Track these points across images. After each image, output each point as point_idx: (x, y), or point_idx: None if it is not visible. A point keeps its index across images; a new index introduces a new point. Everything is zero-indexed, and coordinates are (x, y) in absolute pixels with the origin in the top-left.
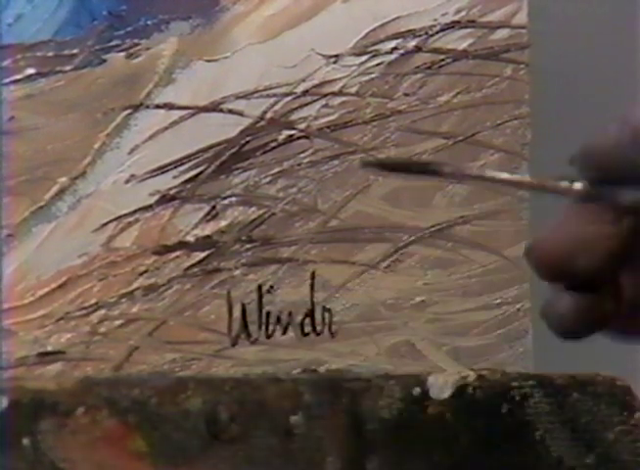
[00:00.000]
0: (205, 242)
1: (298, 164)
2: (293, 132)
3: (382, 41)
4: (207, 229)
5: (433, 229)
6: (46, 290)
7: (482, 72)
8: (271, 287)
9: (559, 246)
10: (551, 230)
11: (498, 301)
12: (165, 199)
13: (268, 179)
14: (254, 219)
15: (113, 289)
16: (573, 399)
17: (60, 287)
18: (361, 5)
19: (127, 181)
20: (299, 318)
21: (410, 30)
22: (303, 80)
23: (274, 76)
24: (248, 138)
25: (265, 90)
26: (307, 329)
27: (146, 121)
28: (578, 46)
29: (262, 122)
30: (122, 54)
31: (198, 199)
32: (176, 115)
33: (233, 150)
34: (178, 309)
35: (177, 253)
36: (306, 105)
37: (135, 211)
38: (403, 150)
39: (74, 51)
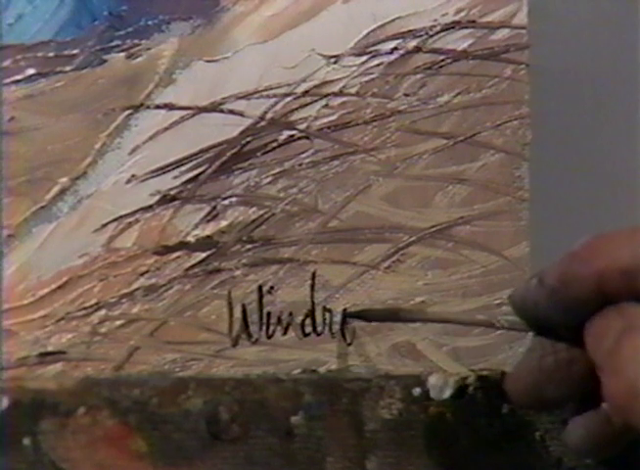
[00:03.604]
0: (205, 242)
1: (299, 165)
2: (293, 132)
3: (382, 41)
4: (208, 229)
5: (433, 230)
6: (46, 290)
7: (482, 73)
8: (271, 287)
9: (525, 381)
10: (517, 365)
11: (498, 301)
12: (166, 199)
13: (269, 180)
14: (255, 220)
15: (113, 289)
16: None
17: (60, 287)
18: (361, 5)
19: (128, 182)
20: (300, 319)
21: (410, 31)
22: (304, 81)
23: (274, 77)
24: (248, 138)
25: (265, 90)
26: (308, 329)
27: (146, 122)
28: (578, 46)
29: (263, 123)
30: (123, 54)
31: (198, 199)
32: (177, 115)
33: (233, 150)
34: (179, 310)
35: (178, 253)
36: (307, 105)
37: (136, 212)
38: (403, 150)
39: (75, 51)
